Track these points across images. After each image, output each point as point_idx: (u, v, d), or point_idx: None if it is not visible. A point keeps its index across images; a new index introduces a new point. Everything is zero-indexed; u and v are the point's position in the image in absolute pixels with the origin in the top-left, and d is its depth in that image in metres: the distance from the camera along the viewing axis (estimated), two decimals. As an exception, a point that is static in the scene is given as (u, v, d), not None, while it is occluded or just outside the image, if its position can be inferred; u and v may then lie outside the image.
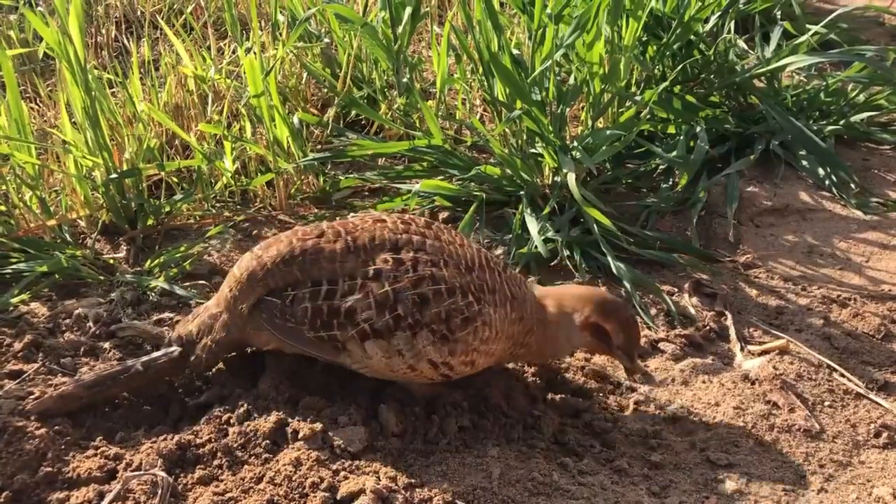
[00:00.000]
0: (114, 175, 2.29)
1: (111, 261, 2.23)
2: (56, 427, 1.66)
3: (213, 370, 1.84)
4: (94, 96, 2.24)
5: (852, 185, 2.67)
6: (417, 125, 2.76)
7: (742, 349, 2.04)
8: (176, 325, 1.88)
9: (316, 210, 2.49)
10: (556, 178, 2.50)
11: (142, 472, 1.56)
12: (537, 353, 1.83)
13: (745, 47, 3.30)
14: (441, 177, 2.56)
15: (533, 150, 2.58)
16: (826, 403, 1.89)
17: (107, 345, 1.94)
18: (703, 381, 1.94)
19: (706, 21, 2.98)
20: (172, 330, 1.86)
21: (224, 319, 1.74)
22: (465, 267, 1.68)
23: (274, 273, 1.68)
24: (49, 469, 1.58)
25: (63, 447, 1.63)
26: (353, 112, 2.87)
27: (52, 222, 2.26)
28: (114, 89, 2.75)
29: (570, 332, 1.77)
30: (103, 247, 2.31)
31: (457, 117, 2.86)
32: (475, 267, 1.70)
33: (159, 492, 1.52)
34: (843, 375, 1.97)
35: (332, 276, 1.66)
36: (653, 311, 2.17)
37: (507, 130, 2.63)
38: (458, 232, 1.81)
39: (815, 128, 2.84)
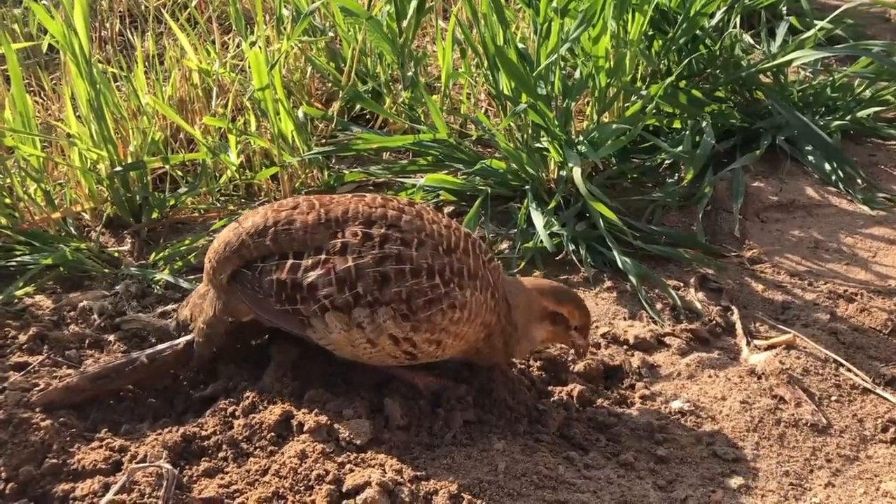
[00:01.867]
0: (118, 168, 2.28)
1: (116, 254, 2.23)
2: (61, 419, 1.66)
3: (219, 362, 1.84)
4: (98, 89, 2.24)
5: (859, 181, 2.66)
6: (422, 119, 2.75)
7: (748, 344, 2.03)
8: (175, 314, 1.89)
9: (320, 204, 2.49)
10: (561, 173, 2.49)
11: (147, 464, 1.55)
12: (501, 351, 1.78)
13: (752, 42, 3.29)
14: (446, 171, 2.56)
15: (538, 145, 2.57)
16: (833, 398, 1.89)
17: (111, 337, 1.93)
18: (710, 376, 1.94)
19: (712, 16, 2.97)
20: (174, 319, 1.87)
21: (211, 296, 1.75)
22: (445, 248, 1.65)
23: (248, 244, 1.68)
24: (54, 461, 1.58)
25: (68, 439, 1.63)
26: (358, 106, 2.87)
27: (56, 215, 2.26)
28: (118, 83, 2.75)
29: (532, 327, 1.77)
30: (108, 240, 2.31)
31: (462, 111, 2.85)
32: (457, 249, 1.67)
33: (164, 484, 1.51)
34: (849, 370, 1.96)
35: (301, 247, 1.65)
36: (658, 306, 2.16)
37: (512, 125, 2.62)
38: (445, 215, 1.78)
39: (821, 123, 2.83)
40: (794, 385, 1.89)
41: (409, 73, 2.72)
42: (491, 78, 2.63)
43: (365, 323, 1.62)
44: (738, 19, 3.04)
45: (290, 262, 1.64)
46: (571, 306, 1.78)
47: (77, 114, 2.35)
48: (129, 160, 2.34)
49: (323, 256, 1.62)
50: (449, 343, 1.68)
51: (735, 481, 1.66)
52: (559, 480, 1.62)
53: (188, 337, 1.80)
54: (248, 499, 1.53)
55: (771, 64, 2.86)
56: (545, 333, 1.80)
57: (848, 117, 2.90)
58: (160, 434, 1.65)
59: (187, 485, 1.56)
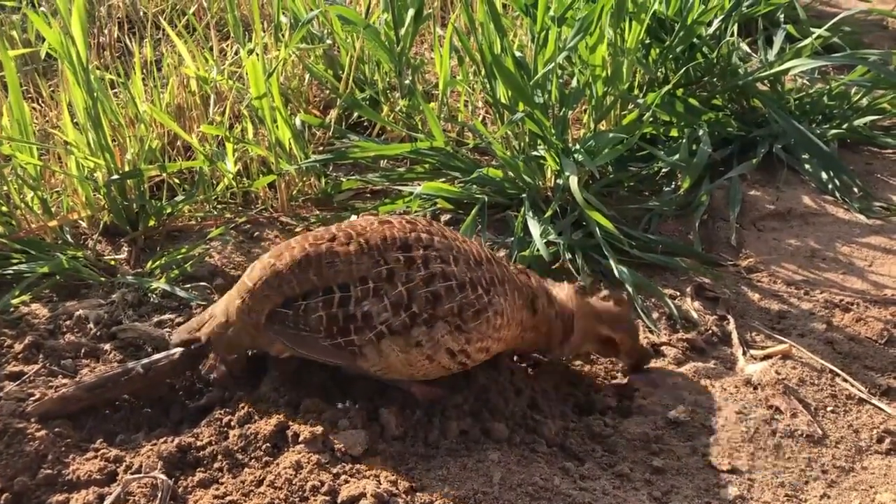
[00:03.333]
0: (115, 176, 2.28)
1: (112, 262, 2.22)
2: (56, 429, 1.65)
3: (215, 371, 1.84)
4: (96, 97, 2.24)
5: (855, 189, 2.66)
6: (419, 127, 2.76)
7: (744, 353, 2.03)
8: (176, 330, 1.87)
9: (318, 212, 2.49)
10: (558, 181, 2.49)
11: (142, 475, 1.55)
12: (545, 342, 1.88)
13: (749, 50, 3.29)
14: (443, 179, 2.56)
15: (535, 153, 2.58)
16: (829, 408, 1.89)
17: (107, 346, 1.93)
18: (706, 386, 1.94)
19: (709, 24, 2.97)
20: (172, 334, 1.86)
21: (237, 329, 1.73)
22: (475, 262, 1.72)
23: (290, 280, 1.67)
24: (49, 471, 1.58)
25: (63, 449, 1.63)
26: (356, 114, 2.87)
27: (53, 223, 2.26)
28: (116, 90, 2.75)
29: (583, 340, 1.89)
30: (104, 248, 2.31)
31: (459, 119, 2.85)
32: (483, 261, 1.74)
33: (159, 495, 1.52)
34: (845, 380, 1.96)
35: (346, 279, 1.66)
36: (655, 315, 2.16)
37: (509, 133, 2.62)
38: (454, 230, 1.84)
39: (818, 132, 2.83)
40: (789, 395, 1.89)
41: (407, 81, 2.73)
42: (488, 86, 2.63)
43: (424, 341, 1.66)
44: (735, 27, 3.04)
45: (338, 295, 1.65)
46: (624, 335, 1.91)
47: (74, 122, 2.35)
48: (127, 168, 2.34)
49: (372, 285, 1.65)
50: (494, 347, 1.76)
51: (731, 492, 1.66)
52: (555, 492, 1.62)
53: (184, 347, 1.80)
54: (243, 510, 1.53)
55: (768, 72, 2.86)
56: (592, 348, 1.94)
57: (844, 126, 2.90)
58: (155, 444, 1.65)
59: (182, 495, 1.56)
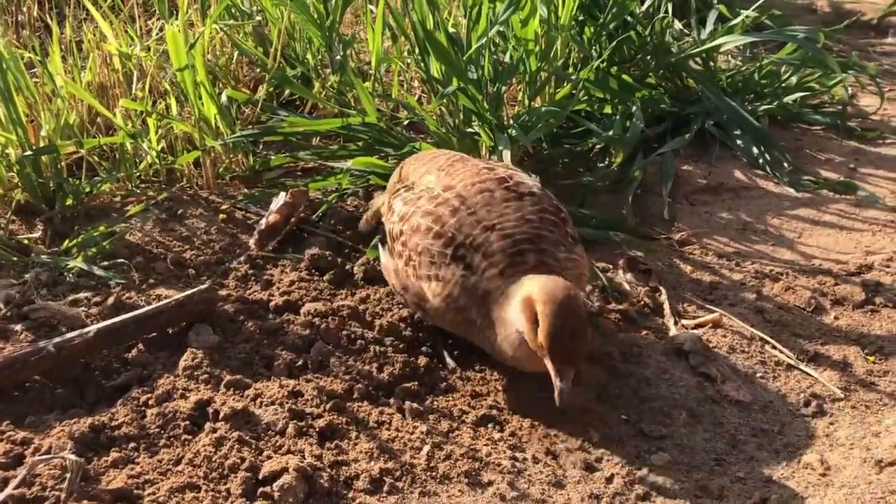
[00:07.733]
0: (29, 152, 2.18)
1: (26, 241, 2.12)
2: (-42, 412, 1.57)
3: (133, 350, 1.77)
4: (4, 68, 2.13)
5: (785, 164, 2.69)
6: (352, 104, 2.70)
7: (676, 323, 2.03)
8: None
9: (245, 190, 2.42)
10: (492, 157, 2.46)
11: (50, 456, 1.47)
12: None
13: (682, 29, 3.31)
14: (377, 156, 2.51)
15: (469, 129, 2.54)
16: (758, 375, 1.89)
17: (18, 327, 1.83)
18: (637, 355, 1.93)
19: (642, 2, 2.98)
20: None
21: None
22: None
23: None
24: (-51, 455, 1.49)
25: (-35, 433, 1.54)
26: (288, 92, 2.79)
27: (-39, 202, 2.14)
28: (34, 69, 2.63)
29: (512, 311, 1.61)
30: (18, 227, 2.20)
31: (393, 96, 2.80)
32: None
33: (68, 475, 1.44)
34: (774, 347, 1.97)
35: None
36: (588, 288, 2.15)
37: (443, 109, 2.58)
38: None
39: (749, 108, 2.86)
40: (720, 363, 1.89)
41: (338, 56, 2.66)
42: (422, 63, 2.59)
43: None
44: (669, 6, 3.06)
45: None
46: (549, 306, 1.56)
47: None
48: (42, 144, 2.23)
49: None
50: None
51: (661, 458, 1.65)
52: (484, 462, 1.59)
53: (98, 325, 1.73)
54: (159, 489, 1.47)
55: (700, 49, 2.88)
56: (521, 327, 1.60)
57: (775, 103, 2.94)
58: (67, 425, 1.57)
59: (94, 476, 1.49)
